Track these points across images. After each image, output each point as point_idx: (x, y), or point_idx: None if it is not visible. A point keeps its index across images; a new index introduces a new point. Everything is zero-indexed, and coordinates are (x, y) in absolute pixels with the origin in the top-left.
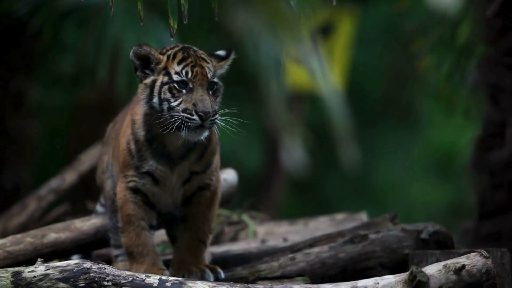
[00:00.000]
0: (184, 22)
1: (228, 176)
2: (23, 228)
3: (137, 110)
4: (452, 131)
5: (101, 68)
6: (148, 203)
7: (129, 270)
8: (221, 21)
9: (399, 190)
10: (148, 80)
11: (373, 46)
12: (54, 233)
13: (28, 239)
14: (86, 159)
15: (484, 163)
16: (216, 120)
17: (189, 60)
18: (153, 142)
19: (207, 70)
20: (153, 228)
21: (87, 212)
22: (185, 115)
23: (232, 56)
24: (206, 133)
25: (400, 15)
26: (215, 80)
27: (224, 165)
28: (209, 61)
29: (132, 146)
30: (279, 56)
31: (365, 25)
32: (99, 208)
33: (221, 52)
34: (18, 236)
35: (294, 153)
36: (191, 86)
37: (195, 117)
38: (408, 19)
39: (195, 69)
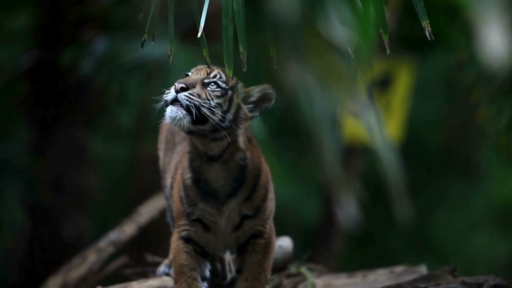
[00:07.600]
0: (244, 70)
1: (283, 242)
2: (83, 280)
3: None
4: None
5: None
6: (201, 252)
7: None
8: (275, 75)
9: (459, 243)
10: None
11: (431, 97)
12: None
13: None
14: (145, 212)
15: None
16: (201, 108)
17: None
18: (199, 182)
19: (212, 71)
20: (206, 279)
21: (146, 264)
22: (167, 91)
23: (266, 89)
24: (181, 114)
25: (458, 66)
26: (220, 83)
27: (283, 216)
28: (221, 71)
29: (182, 193)
30: (334, 110)
31: (423, 77)
32: (162, 268)
33: None
34: None
35: (347, 208)
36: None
37: (171, 89)
38: (466, 70)
39: (200, 67)
